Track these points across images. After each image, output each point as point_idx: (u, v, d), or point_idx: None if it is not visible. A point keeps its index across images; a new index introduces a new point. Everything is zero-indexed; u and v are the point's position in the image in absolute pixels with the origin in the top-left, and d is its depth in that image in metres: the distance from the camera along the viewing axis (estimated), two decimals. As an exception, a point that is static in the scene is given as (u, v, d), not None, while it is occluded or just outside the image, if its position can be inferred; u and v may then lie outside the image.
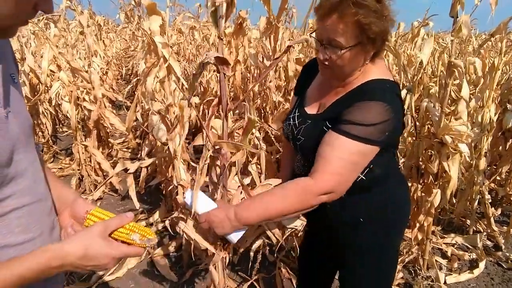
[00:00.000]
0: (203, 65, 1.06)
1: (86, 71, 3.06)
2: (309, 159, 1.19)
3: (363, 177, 1.16)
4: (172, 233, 2.58)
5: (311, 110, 1.25)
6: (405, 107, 1.97)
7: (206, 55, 1.04)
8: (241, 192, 1.29)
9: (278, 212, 1.09)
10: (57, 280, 0.82)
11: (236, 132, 1.43)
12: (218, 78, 1.10)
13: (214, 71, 3.02)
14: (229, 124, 1.33)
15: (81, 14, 2.89)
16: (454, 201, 2.99)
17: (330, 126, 1.12)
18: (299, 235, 1.46)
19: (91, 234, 0.72)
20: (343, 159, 1.06)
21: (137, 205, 2.25)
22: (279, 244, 1.29)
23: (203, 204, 1.16)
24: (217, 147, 1.17)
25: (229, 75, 2.55)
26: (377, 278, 1.32)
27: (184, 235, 1.34)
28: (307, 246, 1.65)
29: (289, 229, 1.31)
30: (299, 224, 1.29)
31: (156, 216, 2.80)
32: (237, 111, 2.25)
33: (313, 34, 1.14)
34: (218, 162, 1.24)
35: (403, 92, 2.11)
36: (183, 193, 1.16)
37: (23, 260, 0.64)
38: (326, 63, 1.11)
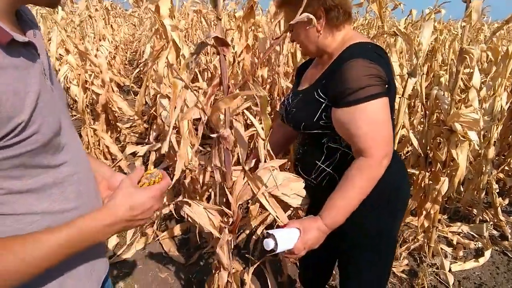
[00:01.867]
0: (201, 45, 1.05)
1: (95, 55, 3.06)
2: (301, 131, 1.27)
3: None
4: (176, 217, 2.63)
5: (303, 87, 1.33)
6: (406, 90, 1.94)
7: (207, 35, 1.03)
8: (243, 177, 1.29)
9: (359, 201, 1.12)
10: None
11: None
12: (219, 58, 1.09)
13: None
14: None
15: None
16: (461, 190, 2.98)
17: (321, 93, 1.18)
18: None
19: (126, 187, 0.75)
20: (372, 123, 1.09)
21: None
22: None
23: (287, 238, 1.13)
24: (219, 129, 1.17)
25: (230, 59, 2.54)
26: (378, 261, 1.34)
27: (189, 218, 1.35)
28: None
29: (292, 209, 1.32)
30: (305, 202, 1.31)
31: (164, 199, 2.83)
32: (245, 96, 2.25)
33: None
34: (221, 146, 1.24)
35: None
36: (263, 240, 1.14)
37: (76, 221, 0.66)
38: (297, 44, 1.30)
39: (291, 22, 1.02)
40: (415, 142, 2.14)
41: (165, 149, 1.38)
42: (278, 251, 1.11)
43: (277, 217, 1.28)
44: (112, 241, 2.47)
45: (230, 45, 1.09)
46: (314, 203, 1.32)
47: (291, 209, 1.35)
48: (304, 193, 1.30)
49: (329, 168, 1.25)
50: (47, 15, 3.34)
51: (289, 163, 2.31)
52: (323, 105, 1.17)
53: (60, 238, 0.63)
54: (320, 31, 1.21)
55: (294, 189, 1.30)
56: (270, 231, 1.12)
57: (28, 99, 0.60)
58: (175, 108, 1.39)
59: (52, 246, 0.62)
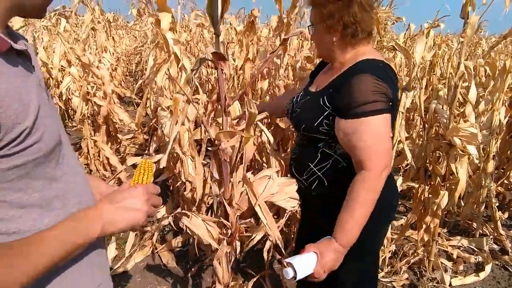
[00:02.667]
0: (201, 60, 1.08)
1: (97, 67, 3.09)
2: (300, 131, 1.35)
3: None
4: (175, 229, 2.62)
5: (313, 88, 1.39)
6: (401, 104, 1.96)
7: (205, 51, 1.06)
8: (242, 186, 1.31)
9: (367, 214, 1.15)
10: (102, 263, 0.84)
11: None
12: (217, 73, 1.12)
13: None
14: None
15: (93, 10, 2.92)
16: (461, 204, 2.97)
17: (326, 102, 1.23)
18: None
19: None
20: (375, 137, 1.14)
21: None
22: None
23: (306, 264, 1.14)
24: (218, 142, 1.19)
25: (232, 72, 2.57)
26: (362, 268, 1.38)
27: (188, 230, 1.35)
28: (299, 241, 1.70)
29: (287, 212, 1.35)
30: (295, 204, 1.35)
31: (163, 211, 2.83)
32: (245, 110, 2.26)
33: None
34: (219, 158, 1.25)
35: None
36: (283, 270, 1.15)
37: (62, 224, 0.65)
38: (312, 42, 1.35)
39: (288, 36, 1.09)
40: (409, 156, 2.15)
41: (163, 164, 1.39)
42: (298, 278, 1.12)
43: (269, 230, 1.29)
44: (111, 254, 2.45)
45: (227, 59, 1.12)
46: (304, 205, 1.39)
47: (287, 212, 1.38)
48: (297, 196, 1.36)
49: (320, 172, 1.31)
50: (51, 27, 3.39)
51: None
52: (326, 112, 1.23)
53: (55, 232, 0.63)
54: (335, 42, 1.26)
55: (288, 192, 1.36)
56: (287, 260, 1.14)
57: (31, 106, 0.60)
58: (176, 122, 1.40)
59: (51, 241, 0.62)
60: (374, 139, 1.14)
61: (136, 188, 0.77)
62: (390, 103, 1.16)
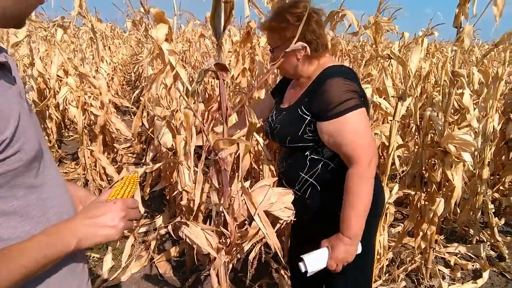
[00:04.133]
0: (204, 72, 1.09)
1: (94, 77, 3.10)
2: (285, 146, 1.41)
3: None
4: (174, 237, 2.61)
5: (285, 105, 1.47)
6: (398, 114, 1.99)
7: (207, 62, 1.08)
8: (241, 194, 1.32)
9: (366, 204, 1.22)
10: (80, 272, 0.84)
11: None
12: (219, 83, 1.13)
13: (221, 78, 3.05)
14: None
15: (91, 21, 2.94)
16: (457, 210, 2.98)
17: (304, 110, 1.30)
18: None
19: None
20: (355, 131, 1.22)
21: (141, 210, 2.27)
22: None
23: (318, 259, 1.24)
24: (217, 151, 1.20)
25: (229, 81, 2.59)
26: (357, 271, 1.39)
27: (187, 239, 1.35)
28: (293, 246, 1.75)
29: (281, 221, 1.36)
30: (290, 213, 1.38)
31: (160, 221, 2.82)
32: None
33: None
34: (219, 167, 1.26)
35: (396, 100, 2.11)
36: (298, 265, 1.24)
37: (36, 238, 0.66)
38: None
39: (287, 50, 1.13)
40: (397, 161, 2.16)
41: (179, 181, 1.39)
42: (310, 272, 1.22)
43: (268, 238, 1.30)
44: (107, 264, 2.44)
45: (229, 70, 1.13)
46: (299, 213, 1.41)
47: (280, 221, 1.39)
48: (291, 206, 1.39)
49: (312, 179, 1.36)
50: (50, 38, 3.40)
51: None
52: (307, 120, 1.30)
53: (29, 245, 0.64)
54: (300, 59, 1.34)
55: (284, 202, 1.39)
56: (302, 256, 1.23)
57: (11, 117, 0.61)
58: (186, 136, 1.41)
59: (29, 254, 0.63)
60: (356, 134, 1.22)
61: (115, 203, 0.77)
62: (362, 98, 1.26)
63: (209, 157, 1.26)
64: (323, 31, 1.34)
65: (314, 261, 1.23)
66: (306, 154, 1.36)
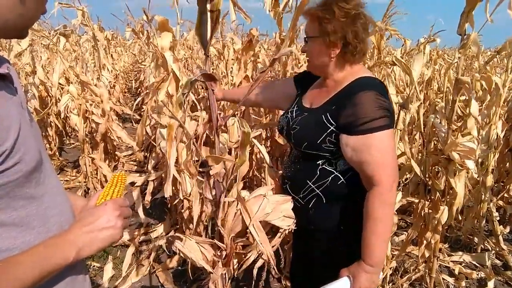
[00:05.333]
0: (191, 82, 1.08)
1: (95, 85, 3.10)
2: (299, 150, 1.32)
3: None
4: (168, 252, 2.59)
5: (307, 104, 1.38)
6: (399, 122, 1.98)
7: (196, 73, 1.07)
8: (236, 205, 1.29)
9: (389, 228, 1.18)
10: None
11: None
12: (207, 93, 1.12)
13: (223, 84, 3.06)
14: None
15: (94, 29, 2.96)
16: (462, 218, 2.95)
17: (330, 119, 1.23)
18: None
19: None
20: (382, 151, 1.16)
21: (143, 218, 2.25)
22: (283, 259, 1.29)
23: None
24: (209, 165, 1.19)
25: (228, 87, 2.58)
26: None
27: (181, 254, 1.33)
28: (295, 258, 1.69)
29: (281, 230, 1.33)
30: (291, 222, 1.33)
31: (161, 229, 2.80)
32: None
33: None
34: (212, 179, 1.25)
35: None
36: None
37: (35, 249, 0.65)
38: (305, 55, 1.32)
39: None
40: (417, 169, 2.14)
41: (168, 194, 1.39)
42: None
43: (262, 247, 1.27)
44: (107, 274, 2.41)
45: (218, 80, 1.12)
46: (300, 222, 1.36)
47: (281, 231, 1.36)
48: (292, 214, 1.34)
49: (319, 190, 1.30)
50: (52, 46, 3.42)
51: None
52: (330, 130, 1.23)
53: (28, 257, 0.63)
54: (332, 59, 1.26)
55: (283, 211, 1.34)
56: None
57: (12, 128, 0.61)
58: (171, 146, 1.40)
59: (27, 265, 0.62)
60: (383, 154, 1.16)
61: (105, 205, 0.76)
62: (392, 117, 1.20)
63: (200, 170, 1.25)
64: (366, 36, 1.26)
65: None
66: (318, 163, 1.29)
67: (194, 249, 1.28)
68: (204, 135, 1.19)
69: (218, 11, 1.02)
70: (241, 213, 1.26)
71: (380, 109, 1.16)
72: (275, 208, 1.31)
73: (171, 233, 2.61)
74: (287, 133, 1.38)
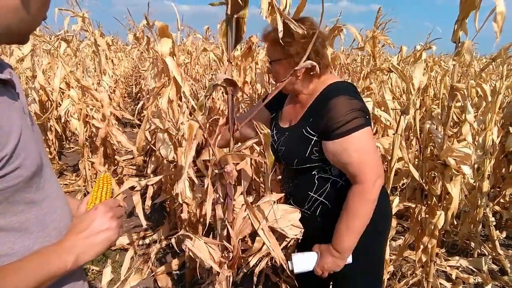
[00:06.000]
0: (213, 86, 1.10)
1: (96, 89, 3.13)
2: (291, 167, 1.37)
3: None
4: (177, 250, 2.60)
5: (285, 124, 1.43)
6: (402, 127, 2.01)
7: (216, 77, 1.09)
8: (245, 210, 1.31)
9: (362, 224, 1.23)
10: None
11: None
12: (226, 98, 1.14)
13: (220, 91, 3.09)
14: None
15: (94, 35, 2.99)
16: (458, 223, 2.98)
17: (310, 130, 1.28)
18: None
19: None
20: (361, 150, 1.21)
21: (143, 222, 2.26)
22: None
23: (306, 261, 1.30)
24: (223, 165, 1.20)
25: (236, 96, 2.61)
26: (370, 279, 1.43)
27: (190, 253, 1.35)
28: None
29: (287, 239, 1.35)
30: (298, 232, 1.35)
31: (160, 233, 2.81)
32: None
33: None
34: (224, 181, 1.26)
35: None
36: (288, 263, 1.31)
37: (33, 256, 0.66)
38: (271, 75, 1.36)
39: (297, 68, 1.13)
40: (415, 174, 2.17)
41: (180, 192, 1.40)
42: (295, 272, 1.28)
43: (272, 251, 1.30)
44: (106, 277, 2.42)
45: (238, 85, 1.15)
46: (309, 232, 1.39)
47: (287, 239, 1.38)
48: (300, 224, 1.36)
49: (322, 197, 1.34)
50: (53, 51, 3.45)
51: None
52: (313, 141, 1.28)
53: (26, 264, 0.64)
54: (299, 77, 1.31)
55: (291, 220, 1.37)
56: (292, 254, 1.29)
57: (12, 133, 0.61)
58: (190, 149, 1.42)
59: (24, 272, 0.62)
60: (361, 153, 1.21)
61: (96, 209, 0.77)
62: (367, 117, 1.24)
63: (215, 171, 1.26)
64: (325, 51, 1.33)
65: (302, 262, 1.28)
66: (313, 173, 1.34)
67: (203, 249, 1.30)
68: (219, 136, 1.21)
69: (244, 19, 1.04)
70: (249, 217, 1.28)
71: (353, 111, 1.20)
72: (283, 216, 1.35)
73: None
74: (275, 156, 1.41)
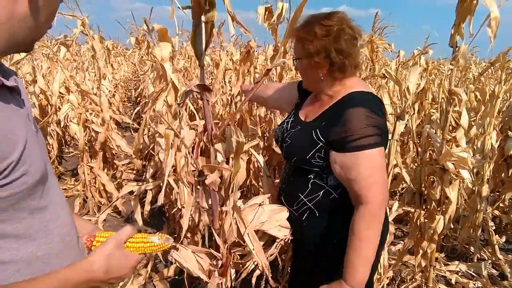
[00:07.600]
0: (186, 93, 1.11)
1: (95, 94, 3.14)
2: (291, 163, 1.34)
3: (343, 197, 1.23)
4: (164, 263, 2.59)
5: (302, 116, 1.38)
6: (395, 133, 2.01)
7: (190, 83, 1.10)
8: (233, 215, 1.30)
9: (374, 249, 1.14)
10: None
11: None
12: (203, 104, 1.15)
13: (220, 95, 3.10)
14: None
15: (93, 39, 3.00)
16: (458, 228, 2.97)
17: (319, 135, 1.22)
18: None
19: (109, 246, 0.78)
20: (372, 169, 1.14)
21: (141, 227, 2.26)
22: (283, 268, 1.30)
23: None
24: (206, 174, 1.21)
25: (229, 99, 2.62)
26: None
27: (176, 263, 1.33)
28: (293, 268, 1.69)
29: (278, 240, 1.34)
30: (287, 233, 1.34)
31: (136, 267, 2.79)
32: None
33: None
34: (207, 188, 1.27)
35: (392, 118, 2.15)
36: None
37: (51, 277, 0.67)
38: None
39: (268, 68, 1.12)
40: (407, 178, 2.17)
41: (160, 201, 1.41)
42: None
43: (256, 257, 1.28)
44: (105, 282, 2.41)
45: (212, 90, 1.15)
46: (296, 233, 1.37)
47: (277, 241, 1.37)
48: (288, 225, 1.35)
49: (311, 203, 1.30)
50: (53, 56, 3.46)
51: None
52: (319, 146, 1.22)
53: (44, 285, 0.65)
54: (322, 77, 1.24)
55: (278, 220, 1.35)
56: None
57: (19, 140, 0.61)
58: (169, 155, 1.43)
59: None
60: (372, 172, 1.13)
61: (134, 256, 0.82)
62: (383, 135, 1.17)
63: (197, 179, 1.27)
64: (354, 50, 1.21)
65: None
66: (309, 176, 1.29)
67: (190, 259, 1.29)
68: (201, 144, 1.21)
69: (213, 22, 1.04)
70: (236, 222, 1.27)
71: (370, 127, 1.13)
72: (270, 217, 1.32)
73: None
74: (280, 145, 1.39)
